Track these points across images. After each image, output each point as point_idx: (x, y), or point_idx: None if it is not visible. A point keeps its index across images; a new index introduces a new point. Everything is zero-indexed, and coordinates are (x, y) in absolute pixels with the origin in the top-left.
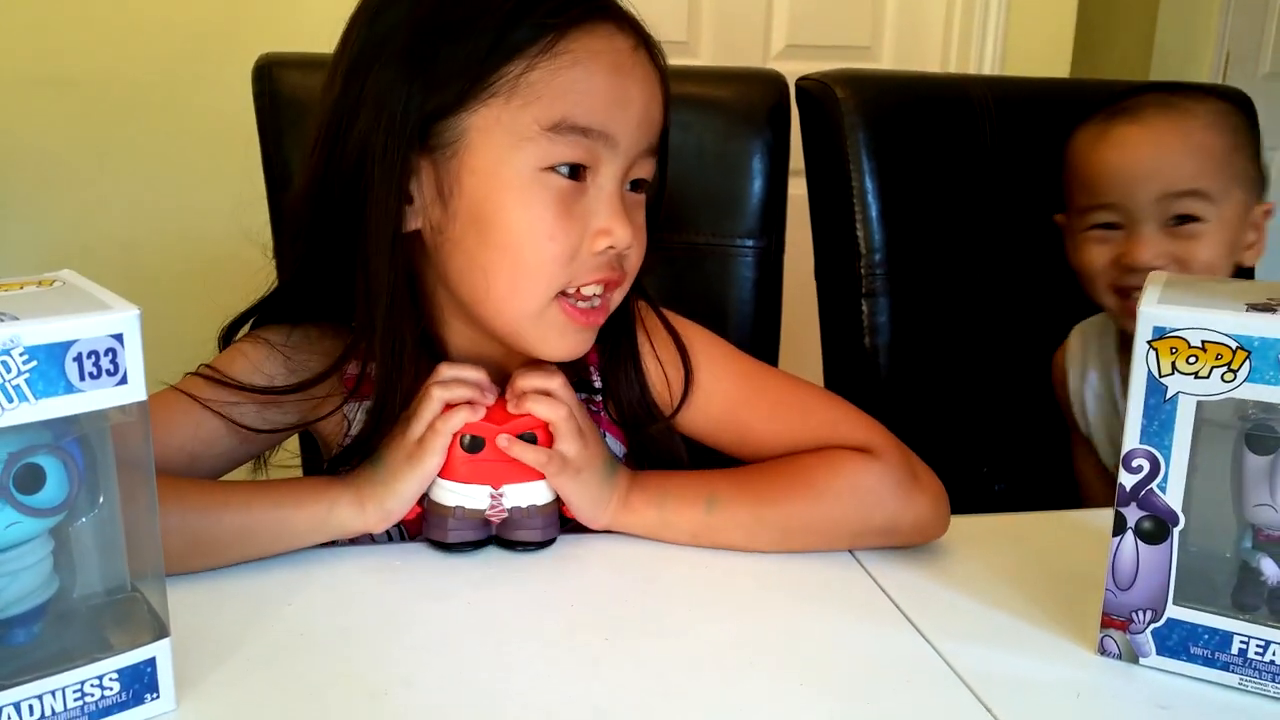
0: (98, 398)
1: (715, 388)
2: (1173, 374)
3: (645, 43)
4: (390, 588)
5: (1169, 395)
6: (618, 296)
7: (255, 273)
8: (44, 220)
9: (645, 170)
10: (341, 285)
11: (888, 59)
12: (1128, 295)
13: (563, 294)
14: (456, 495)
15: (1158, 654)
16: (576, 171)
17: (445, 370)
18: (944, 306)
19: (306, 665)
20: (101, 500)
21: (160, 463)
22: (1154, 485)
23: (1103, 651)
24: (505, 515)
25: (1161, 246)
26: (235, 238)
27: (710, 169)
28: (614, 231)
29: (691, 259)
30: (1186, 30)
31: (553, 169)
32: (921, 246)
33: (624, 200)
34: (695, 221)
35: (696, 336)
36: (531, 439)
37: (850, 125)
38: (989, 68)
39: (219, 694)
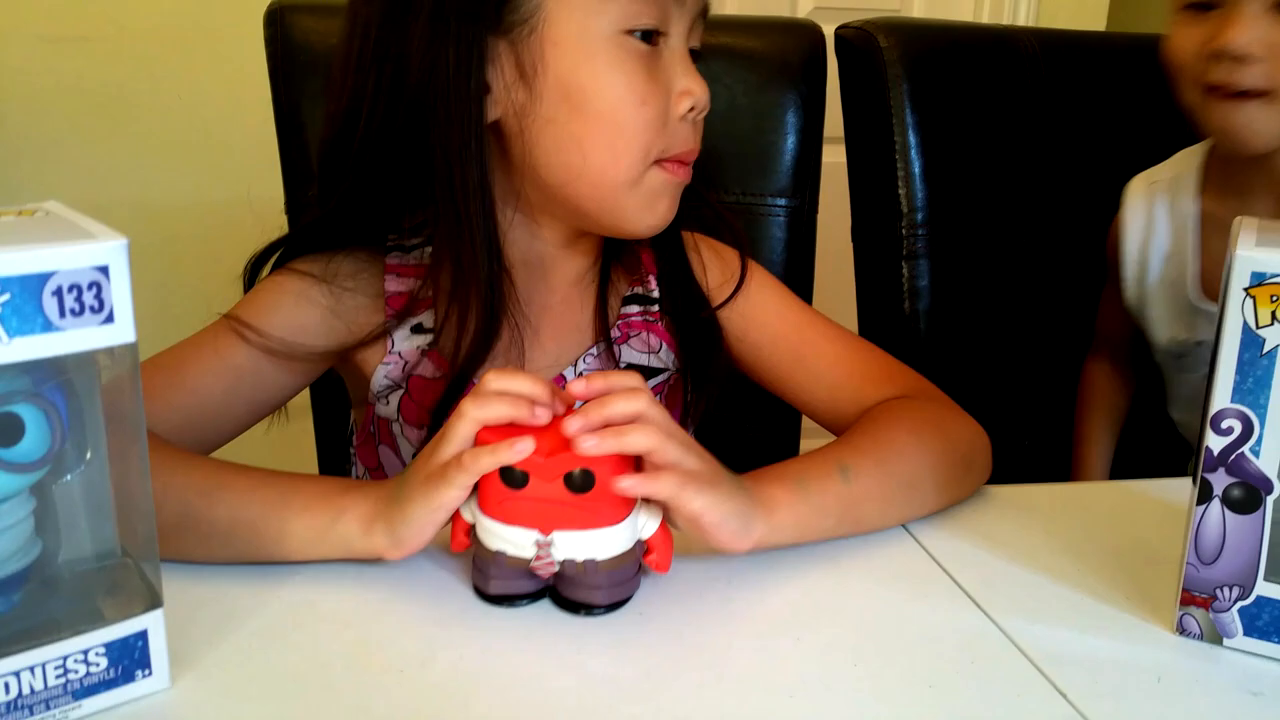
0: (81, 337)
1: (770, 303)
2: (1272, 324)
3: None
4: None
5: (1266, 349)
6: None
7: (267, 230)
8: (54, 180)
9: (698, 37)
10: (396, 203)
11: None
12: (1212, 91)
13: (660, 162)
14: (498, 538)
15: (1245, 634)
16: (651, 35)
17: (490, 381)
18: (989, 270)
19: (314, 641)
20: (89, 456)
21: (198, 397)
22: (1246, 449)
23: (1181, 631)
24: (555, 569)
25: (1262, 30)
26: (247, 195)
27: (741, 124)
28: (695, 90)
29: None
30: None
31: (631, 32)
32: (966, 206)
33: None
34: (725, 179)
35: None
36: (586, 476)
37: (894, 76)
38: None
39: (218, 671)
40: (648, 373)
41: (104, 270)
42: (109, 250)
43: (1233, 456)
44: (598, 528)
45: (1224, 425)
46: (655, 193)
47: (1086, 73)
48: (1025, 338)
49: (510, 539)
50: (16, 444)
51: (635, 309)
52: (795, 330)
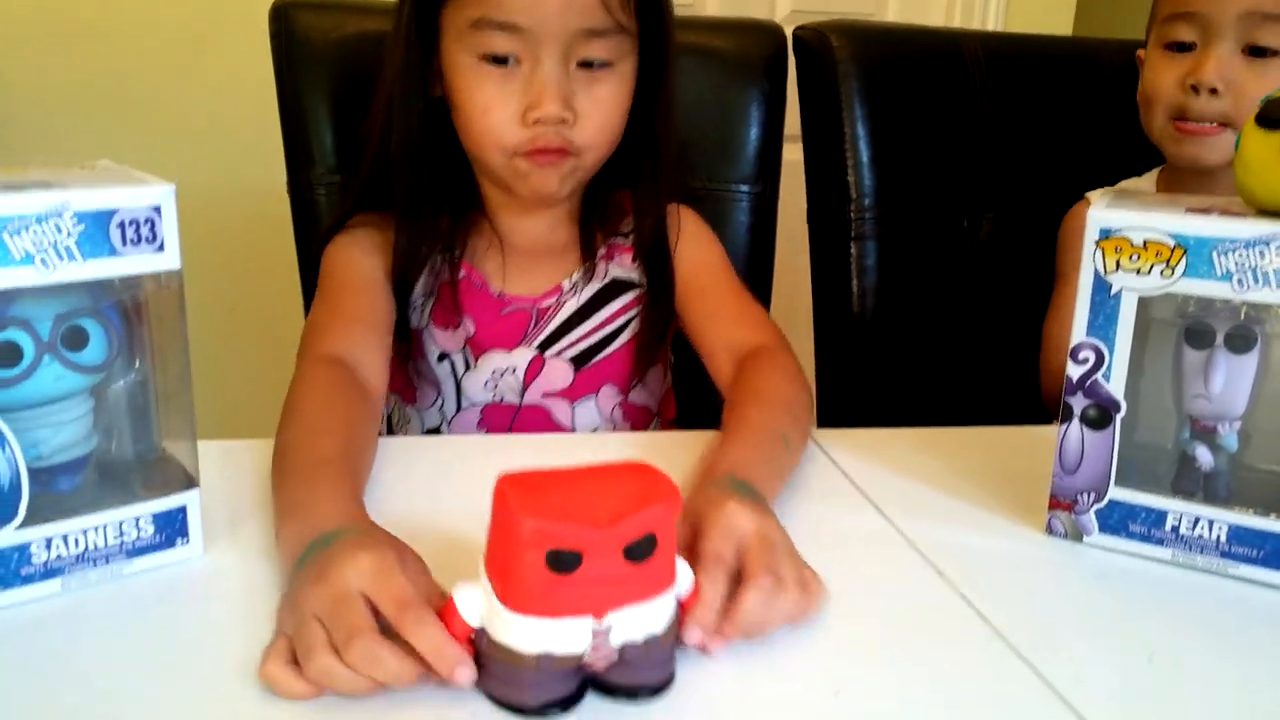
0: (138, 262)
1: (718, 257)
2: (1117, 271)
3: None
4: (404, 468)
5: (1113, 291)
6: (586, 161)
7: (269, 216)
8: None
9: (595, 51)
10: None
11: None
12: (1183, 119)
13: (521, 154)
14: (540, 637)
15: (1100, 532)
16: (505, 59)
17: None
18: (931, 251)
19: None
20: (137, 365)
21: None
22: (1099, 375)
23: (1050, 531)
24: (614, 658)
25: (1230, 70)
26: (252, 186)
27: (708, 117)
28: (540, 105)
29: (689, 204)
30: None
31: (485, 57)
32: (910, 193)
33: (568, 78)
34: (693, 167)
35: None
36: (650, 543)
37: (844, 73)
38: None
39: (242, 544)
40: (628, 285)
41: (157, 209)
42: (161, 193)
43: (1089, 382)
44: (654, 597)
45: (1081, 356)
46: (523, 173)
47: (1026, 73)
48: (964, 313)
49: (559, 634)
50: (82, 350)
51: (619, 239)
52: (714, 285)
